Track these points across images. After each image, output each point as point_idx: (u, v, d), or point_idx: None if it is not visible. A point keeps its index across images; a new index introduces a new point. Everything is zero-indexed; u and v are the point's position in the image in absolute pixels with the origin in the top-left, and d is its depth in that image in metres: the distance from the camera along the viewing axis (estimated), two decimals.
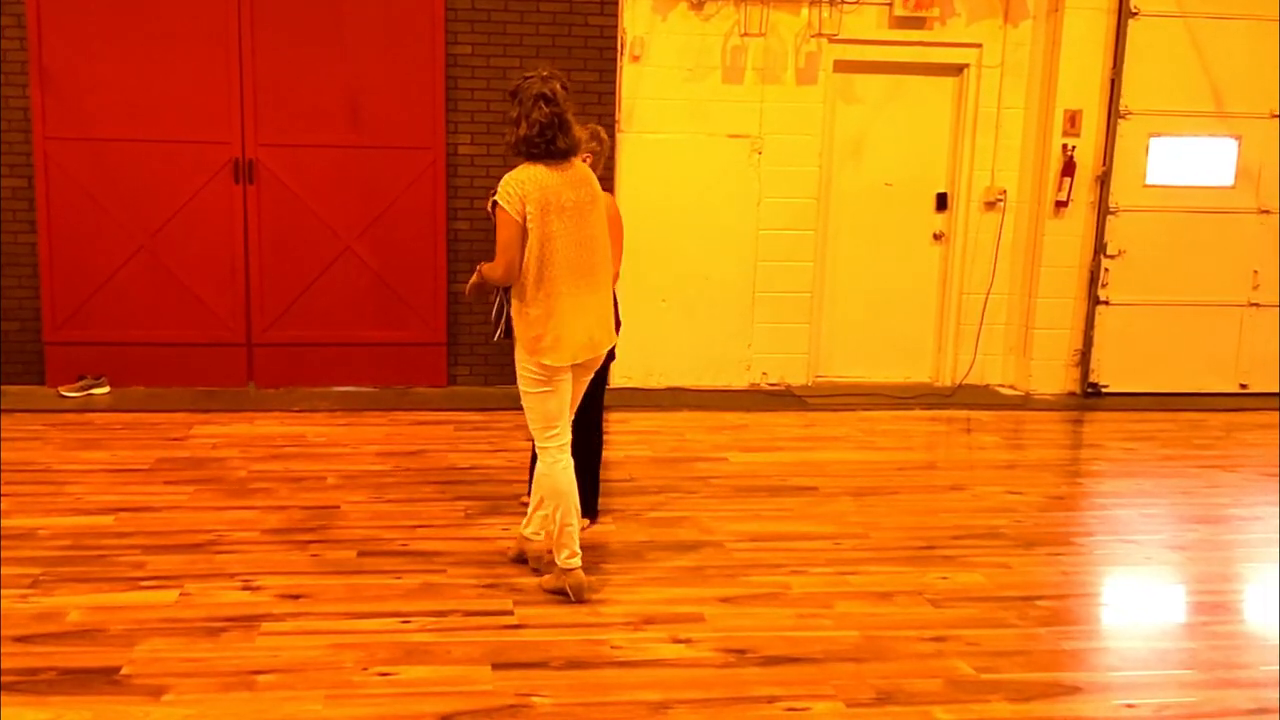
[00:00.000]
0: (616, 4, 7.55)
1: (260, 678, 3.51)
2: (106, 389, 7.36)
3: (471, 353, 7.83)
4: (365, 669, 3.59)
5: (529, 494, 4.56)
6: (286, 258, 7.54)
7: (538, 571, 4.40)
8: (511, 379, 4.28)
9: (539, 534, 4.42)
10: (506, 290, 4.11)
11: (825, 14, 7.69)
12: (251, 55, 7.28)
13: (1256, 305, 8.28)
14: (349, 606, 4.07)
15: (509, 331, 4.15)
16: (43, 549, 4.54)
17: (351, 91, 7.42)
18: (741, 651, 3.81)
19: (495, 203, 3.96)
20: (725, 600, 4.23)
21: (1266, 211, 8.16)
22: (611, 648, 3.81)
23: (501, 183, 3.98)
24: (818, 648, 3.85)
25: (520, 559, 4.51)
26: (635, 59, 7.63)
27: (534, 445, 4.29)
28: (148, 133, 7.29)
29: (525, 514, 4.54)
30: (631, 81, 7.67)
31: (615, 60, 7.62)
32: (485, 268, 4.09)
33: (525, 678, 3.56)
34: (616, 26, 7.59)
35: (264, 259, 7.52)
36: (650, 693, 3.49)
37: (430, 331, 7.68)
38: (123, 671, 3.53)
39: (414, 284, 7.68)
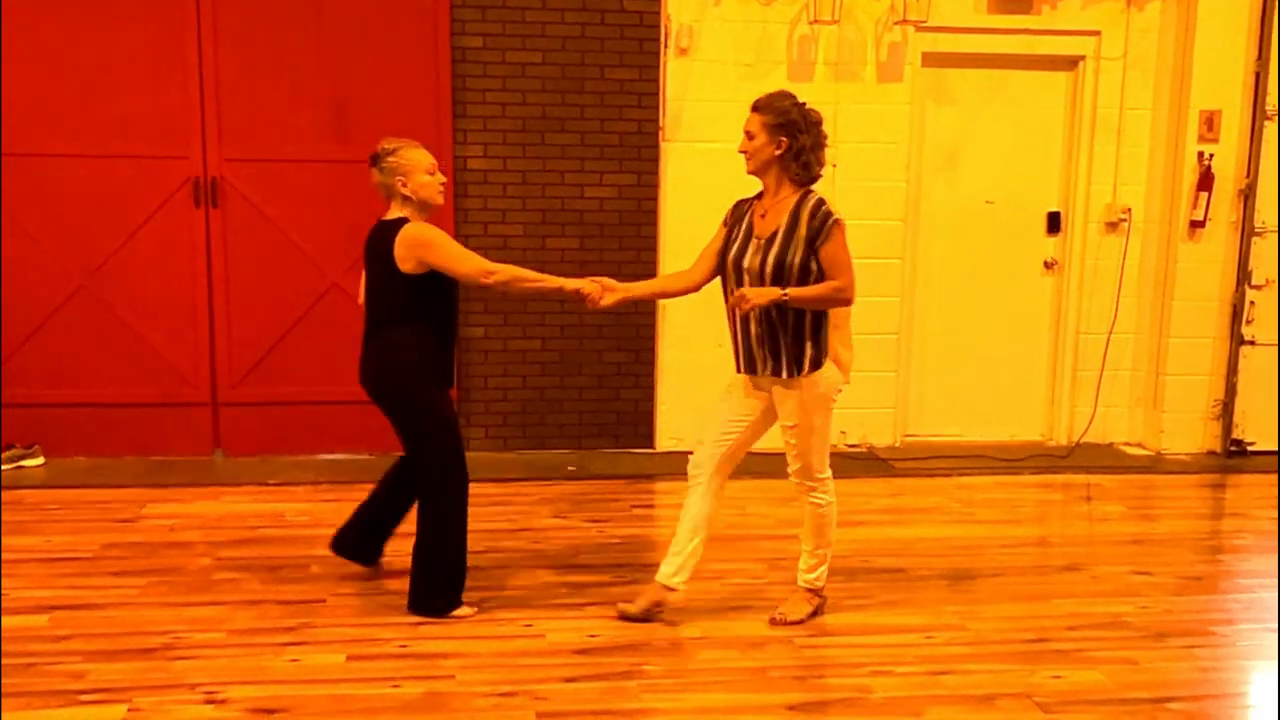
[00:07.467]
0: None
1: None
2: (40, 460, 7.35)
3: (487, 410, 7.74)
4: None
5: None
6: (259, 298, 7.52)
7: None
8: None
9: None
10: (820, 314, 4.66)
11: None
12: (214, 49, 7.25)
13: None
14: None
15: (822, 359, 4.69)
16: None
17: (336, 94, 7.41)
18: None
19: (838, 221, 4.54)
20: (793, 708, 4.18)
21: None
22: None
23: (826, 202, 4.60)
24: None
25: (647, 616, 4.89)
26: (682, 52, 7.63)
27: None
28: (85, 146, 7.25)
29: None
30: (678, 79, 7.67)
31: (658, 54, 7.62)
32: (833, 288, 4.53)
33: None
34: (659, 13, 7.58)
35: (231, 300, 7.50)
36: None
37: None
38: None
39: None
